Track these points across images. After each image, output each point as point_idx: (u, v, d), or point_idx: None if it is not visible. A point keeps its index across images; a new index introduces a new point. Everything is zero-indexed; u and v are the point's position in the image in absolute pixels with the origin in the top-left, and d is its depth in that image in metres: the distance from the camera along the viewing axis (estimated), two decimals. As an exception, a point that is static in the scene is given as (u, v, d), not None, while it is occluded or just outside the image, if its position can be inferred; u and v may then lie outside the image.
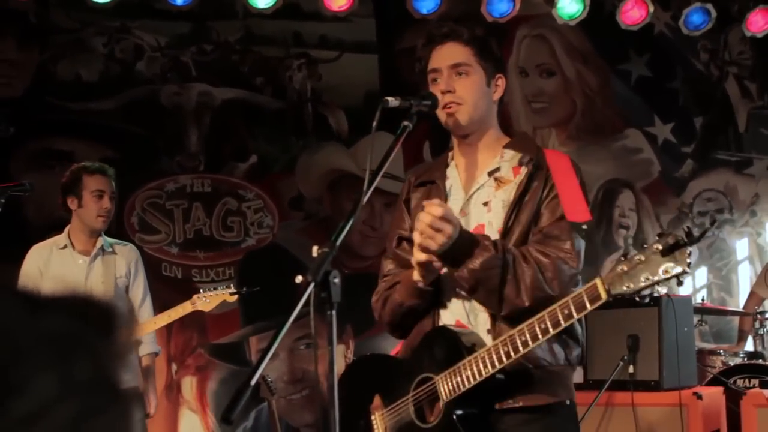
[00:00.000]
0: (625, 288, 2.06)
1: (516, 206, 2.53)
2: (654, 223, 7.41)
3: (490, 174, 2.62)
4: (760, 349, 5.71)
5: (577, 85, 7.35)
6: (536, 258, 2.44)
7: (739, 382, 5.15)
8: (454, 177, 2.70)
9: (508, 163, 2.62)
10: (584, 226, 2.38)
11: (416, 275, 2.51)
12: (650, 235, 7.38)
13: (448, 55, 2.61)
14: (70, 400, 0.71)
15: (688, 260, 1.95)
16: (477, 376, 2.36)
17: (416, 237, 2.40)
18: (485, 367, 2.35)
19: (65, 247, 4.57)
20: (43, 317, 0.74)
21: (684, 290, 7.31)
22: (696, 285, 7.43)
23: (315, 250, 1.94)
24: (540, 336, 2.25)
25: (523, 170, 2.58)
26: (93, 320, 0.76)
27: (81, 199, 4.53)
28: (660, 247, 1.98)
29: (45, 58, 6.51)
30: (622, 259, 2.07)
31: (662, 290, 2.13)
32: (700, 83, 7.64)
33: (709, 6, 6.65)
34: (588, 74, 7.36)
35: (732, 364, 5.43)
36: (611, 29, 6.68)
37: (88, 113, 6.49)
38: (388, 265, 2.75)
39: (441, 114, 2.59)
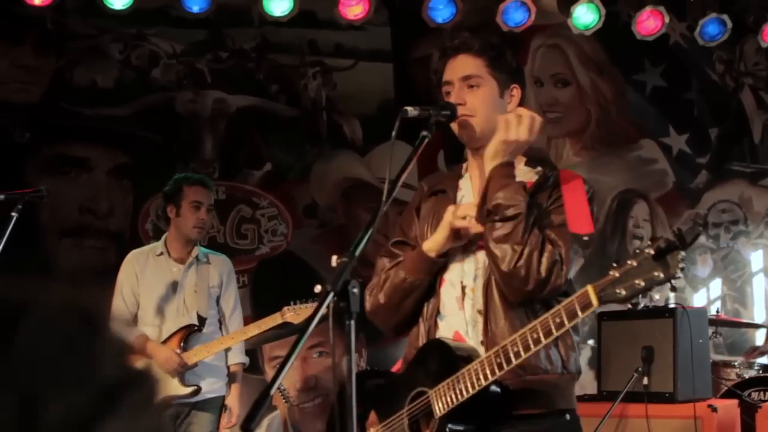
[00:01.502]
0: (617, 294, 2.03)
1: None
2: (668, 234, 7.38)
3: None
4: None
5: (591, 96, 7.33)
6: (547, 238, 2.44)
7: (754, 395, 5.12)
8: (466, 188, 2.70)
9: (522, 177, 2.60)
10: (585, 238, 2.36)
11: (431, 245, 2.53)
12: (664, 246, 7.35)
13: (459, 67, 2.62)
14: (131, 389, 0.77)
15: (681, 265, 1.92)
16: (470, 389, 2.33)
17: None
18: (478, 379, 2.32)
19: (161, 254, 4.63)
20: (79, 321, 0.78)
21: (698, 302, 7.28)
22: (710, 296, 7.39)
23: (334, 260, 1.94)
24: (532, 346, 2.22)
25: (534, 180, 2.58)
26: (104, 326, 0.81)
27: (179, 209, 4.60)
28: (652, 252, 1.95)
29: (61, 65, 6.54)
30: (614, 265, 2.05)
31: (656, 296, 2.12)
32: (715, 94, 7.62)
33: (725, 17, 6.63)
34: (603, 84, 7.35)
35: (747, 376, 5.40)
36: (626, 39, 6.67)
37: (104, 119, 6.51)
38: (385, 263, 2.70)
39: (454, 127, 2.59)
